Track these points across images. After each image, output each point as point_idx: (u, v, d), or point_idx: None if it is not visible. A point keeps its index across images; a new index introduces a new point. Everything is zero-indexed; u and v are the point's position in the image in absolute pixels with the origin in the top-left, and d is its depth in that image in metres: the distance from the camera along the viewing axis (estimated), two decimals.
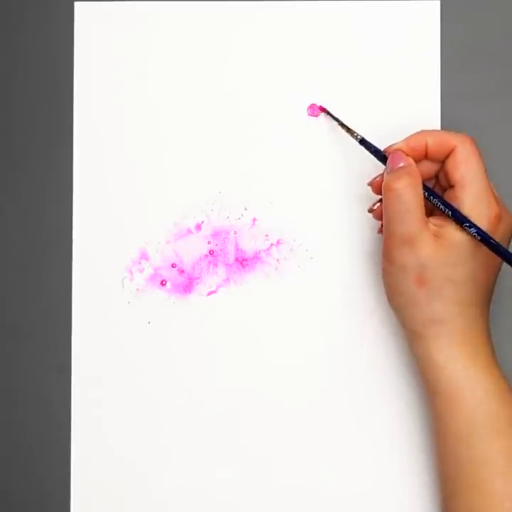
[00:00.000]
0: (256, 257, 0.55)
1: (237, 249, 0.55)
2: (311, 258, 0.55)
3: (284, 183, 0.55)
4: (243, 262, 0.55)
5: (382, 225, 0.50)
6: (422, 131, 0.50)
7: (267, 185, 0.55)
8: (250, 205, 0.55)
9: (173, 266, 0.55)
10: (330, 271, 0.55)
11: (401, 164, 0.48)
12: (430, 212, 0.49)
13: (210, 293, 0.55)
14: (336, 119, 0.54)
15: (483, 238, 0.46)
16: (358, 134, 0.52)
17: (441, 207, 0.48)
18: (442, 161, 0.49)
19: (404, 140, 0.49)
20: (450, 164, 0.48)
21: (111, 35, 0.56)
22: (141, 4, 0.56)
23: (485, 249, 0.47)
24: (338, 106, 0.55)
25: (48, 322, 0.56)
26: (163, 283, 0.55)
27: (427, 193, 0.48)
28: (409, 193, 0.47)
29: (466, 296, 0.47)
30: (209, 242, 0.55)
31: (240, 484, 0.55)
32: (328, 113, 0.54)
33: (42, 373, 0.55)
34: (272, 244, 0.55)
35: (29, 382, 0.56)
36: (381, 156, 0.50)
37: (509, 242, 0.48)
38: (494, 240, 0.46)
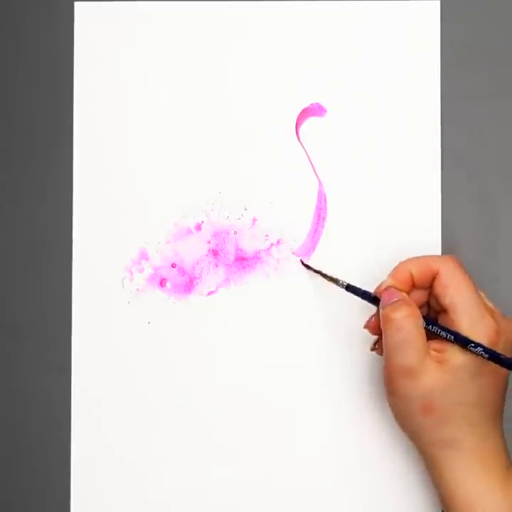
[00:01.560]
0: (256, 257, 0.55)
1: (237, 249, 0.55)
2: (311, 258, 0.55)
3: (284, 183, 0.55)
4: (243, 262, 0.55)
5: (375, 343, 0.50)
6: (404, 262, 0.49)
7: (267, 185, 0.55)
8: (250, 205, 0.55)
9: (173, 266, 0.55)
10: (329, 271, 0.55)
11: (395, 299, 0.48)
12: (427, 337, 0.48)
13: (210, 293, 0.55)
14: (318, 272, 0.53)
15: (491, 356, 0.46)
16: (343, 281, 0.51)
17: (443, 333, 0.47)
18: (429, 286, 0.49)
19: (389, 276, 0.49)
20: (438, 289, 0.48)
21: (111, 36, 0.56)
22: (141, 4, 0.56)
23: (490, 366, 0.46)
24: (338, 106, 0.55)
25: (48, 322, 0.56)
26: (163, 283, 0.55)
27: (425, 322, 0.48)
28: (408, 324, 0.47)
29: (475, 415, 0.47)
30: (209, 242, 0.55)
31: (239, 484, 0.55)
32: (309, 267, 0.54)
33: (42, 373, 0.55)
34: (271, 244, 0.55)
35: (29, 382, 0.56)
36: (371, 298, 0.50)
37: None
38: (503, 355, 0.46)
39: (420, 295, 0.50)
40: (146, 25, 0.56)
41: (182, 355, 0.55)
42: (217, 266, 0.55)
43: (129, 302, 0.55)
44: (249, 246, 0.55)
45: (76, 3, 0.56)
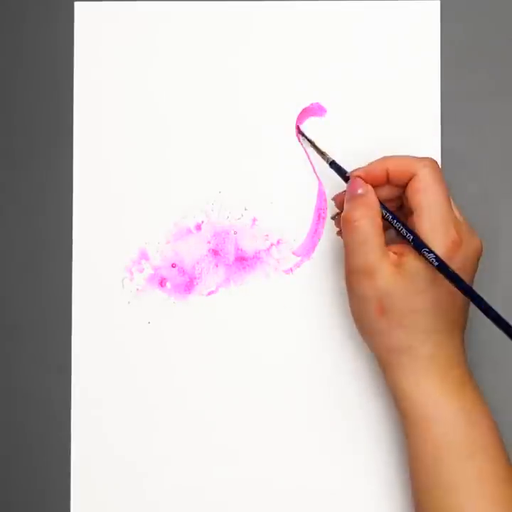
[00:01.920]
0: (256, 257, 0.55)
1: (237, 249, 0.55)
2: (311, 258, 0.55)
3: (284, 183, 0.55)
4: (243, 262, 0.55)
5: (336, 215, 0.52)
6: (383, 158, 0.49)
7: (267, 185, 0.55)
8: (250, 205, 0.55)
9: (173, 266, 0.55)
10: (330, 271, 0.55)
11: (359, 191, 0.48)
12: (392, 240, 0.48)
13: (210, 293, 0.55)
14: (310, 141, 0.54)
15: (440, 266, 0.45)
16: (329, 157, 0.52)
17: (404, 231, 0.47)
18: (404, 186, 0.49)
19: (364, 167, 0.49)
20: (409, 191, 0.48)
21: (111, 35, 0.56)
22: (141, 4, 0.56)
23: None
24: (338, 106, 0.55)
25: (48, 322, 0.56)
26: (163, 283, 0.55)
27: (390, 217, 0.48)
28: (366, 225, 0.47)
29: (430, 323, 0.46)
30: (209, 242, 0.55)
31: (239, 484, 0.54)
32: (303, 134, 0.55)
33: (42, 373, 0.55)
34: (272, 244, 0.55)
35: (29, 382, 0.56)
36: (347, 179, 0.50)
37: (473, 267, 0.47)
38: (451, 269, 0.45)
39: (392, 191, 0.49)
40: (146, 25, 0.56)
41: (182, 355, 0.55)
42: (217, 266, 0.55)
43: (129, 302, 0.55)
44: (249, 246, 0.55)
45: (76, 3, 0.56)
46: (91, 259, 0.55)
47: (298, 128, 0.55)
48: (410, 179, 0.48)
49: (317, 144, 0.54)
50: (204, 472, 0.55)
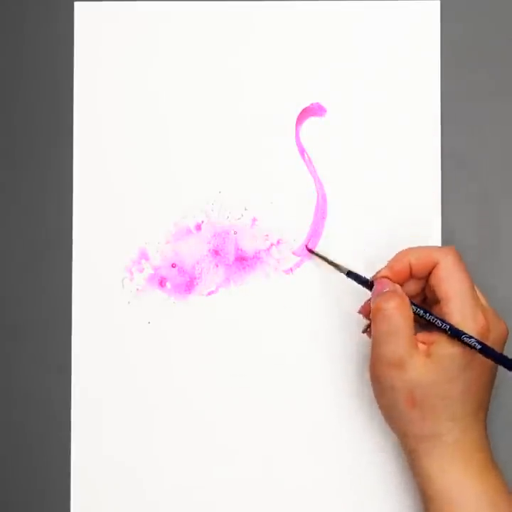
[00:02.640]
0: (256, 257, 0.55)
1: (237, 249, 0.55)
2: (311, 258, 0.55)
3: (284, 183, 0.55)
4: (243, 261, 0.55)
5: (368, 327, 0.51)
6: (404, 251, 0.49)
7: (267, 185, 0.55)
8: (250, 205, 0.55)
9: (173, 266, 0.55)
10: (330, 271, 0.55)
11: (387, 289, 0.48)
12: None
13: (210, 293, 0.55)
14: (322, 257, 0.53)
15: (483, 348, 0.46)
16: (344, 267, 0.52)
17: (438, 322, 0.47)
18: (427, 276, 0.49)
19: (387, 265, 0.49)
20: (434, 280, 0.48)
21: (111, 35, 0.56)
22: (141, 4, 0.56)
23: (478, 359, 0.47)
24: (338, 106, 0.55)
25: (48, 322, 0.56)
26: (163, 283, 0.55)
27: (421, 311, 0.48)
28: (398, 315, 0.47)
29: (459, 410, 0.47)
30: (209, 242, 0.55)
31: (239, 484, 0.54)
32: (313, 252, 0.54)
33: (42, 373, 0.55)
34: (271, 244, 0.55)
35: (29, 382, 0.56)
36: (369, 285, 0.50)
37: (501, 350, 0.48)
38: (493, 348, 0.46)
39: (416, 285, 0.50)
40: (146, 25, 0.56)
41: (182, 355, 0.55)
42: (217, 266, 0.55)
43: (129, 302, 0.55)
44: (249, 246, 0.55)
45: (76, 3, 0.56)
46: (91, 259, 0.55)
47: (307, 247, 0.54)
48: (432, 268, 0.48)
49: (329, 257, 0.53)
50: (204, 472, 0.55)
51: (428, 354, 0.47)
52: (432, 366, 0.47)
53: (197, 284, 0.55)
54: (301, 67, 0.55)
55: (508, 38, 0.55)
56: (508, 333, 0.49)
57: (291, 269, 0.55)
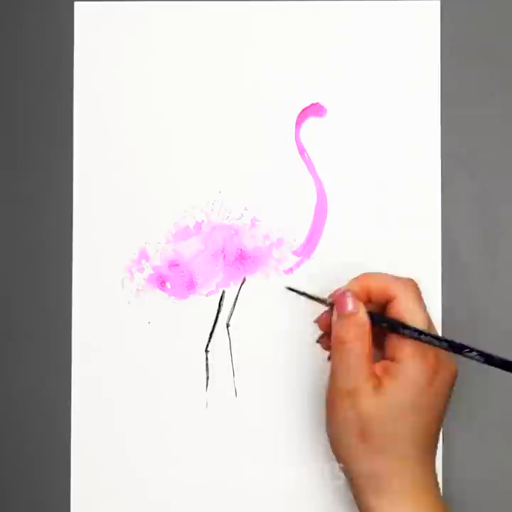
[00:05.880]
0: (256, 257, 0.55)
1: (237, 249, 0.55)
2: (311, 258, 0.55)
3: (284, 183, 0.55)
4: (243, 261, 0.55)
5: (321, 337, 0.50)
6: (364, 274, 0.49)
7: (267, 185, 0.55)
8: (250, 205, 0.55)
9: (173, 266, 0.55)
10: (330, 271, 0.55)
11: (349, 308, 0.47)
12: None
13: (210, 293, 0.55)
14: (301, 293, 0.51)
15: (487, 359, 0.46)
16: (327, 299, 0.49)
17: (435, 342, 0.46)
18: (385, 305, 0.48)
19: (347, 286, 0.48)
20: (392, 311, 0.48)
21: (111, 35, 0.56)
22: (141, 4, 0.56)
23: (426, 401, 0.46)
24: (338, 106, 0.55)
25: (48, 322, 0.56)
26: (163, 283, 0.55)
27: (416, 333, 0.47)
28: (358, 347, 0.47)
29: (408, 448, 0.46)
30: (209, 242, 0.55)
31: (239, 484, 0.55)
32: (292, 289, 0.52)
33: (42, 373, 0.55)
34: (272, 244, 0.55)
35: (29, 382, 0.56)
36: (328, 305, 0.49)
37: (450, 390, 0.47)
38: (496, 356, 0.46)
39: (373, 309, 0.49)
40: (146, 25, 0.56)
41: (182, 355, 0.55)
42: (217, 266, 0.55)
43: (129, 302, 0.55)
44: (249, 246, 0.55)
45: (76, 3, 0.56)
46: (91, 259, 0.55)
47: (286, 287, 0.52)
48: (390, 299, 0.48)
49: (308, 292, 0.50)
50: (204, 472, 0.55)
51: (379, 388, 0.46)
52: (384, 401, 0.46)
53: (197, 284, 0.55)
54: (301, 67, 0.55)
55: (508, 38, 0.55)
56: (457, 375, 0.48)
57: (291, 269, 0.55)
